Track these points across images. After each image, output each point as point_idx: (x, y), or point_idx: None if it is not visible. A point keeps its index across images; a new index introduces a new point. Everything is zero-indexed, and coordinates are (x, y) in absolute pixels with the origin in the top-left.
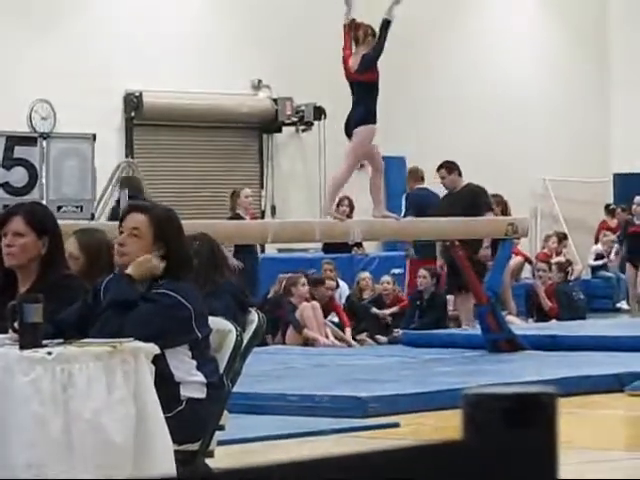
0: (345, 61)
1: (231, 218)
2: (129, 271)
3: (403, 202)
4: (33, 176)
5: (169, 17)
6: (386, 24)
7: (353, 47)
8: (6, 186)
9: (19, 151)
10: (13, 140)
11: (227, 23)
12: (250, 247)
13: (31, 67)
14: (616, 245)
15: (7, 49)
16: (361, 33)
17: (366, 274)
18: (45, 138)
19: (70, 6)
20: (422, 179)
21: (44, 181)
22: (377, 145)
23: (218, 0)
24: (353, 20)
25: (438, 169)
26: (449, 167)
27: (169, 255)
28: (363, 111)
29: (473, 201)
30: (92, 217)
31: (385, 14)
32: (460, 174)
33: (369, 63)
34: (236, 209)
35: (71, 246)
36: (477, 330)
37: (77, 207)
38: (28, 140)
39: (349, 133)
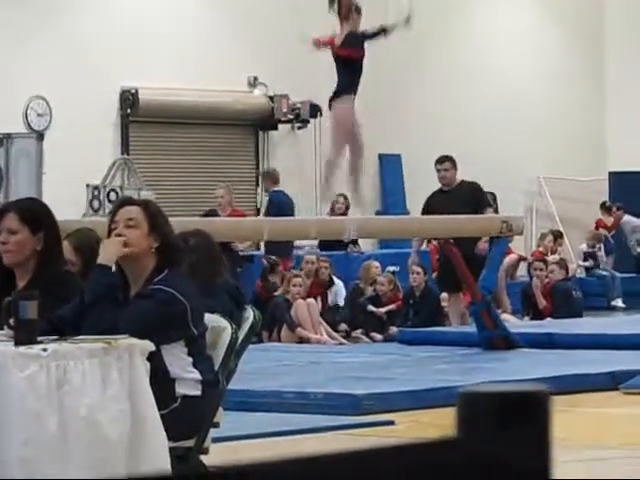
0: (331, 39)
1: (205, 215)
2: (99, 260)
3: (265, 203)
4: (1, 177)
5: (165, 14)
6: (383, 31)
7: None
8: None
9: None
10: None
11: (223, 20)
12: (229, 246)
13: (27, 64)
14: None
15: (3, 46)
16: (344, 9)
17: (374, 262)
18: (7, 139)
19: (66, 3)
20: (278, 181)
21: (9, 182)
22: (359, 124)
23: None
24: None
25: (442, 161)
26: (453, 162)
27: (163, 246)
28: (342, 82)
29: (474, 198)
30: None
31: (387, 25)
32: (456, 171)
33: (352, 41)
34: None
35: (66, 251)
36: (472, 328)
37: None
38: None
39: (330, 105)
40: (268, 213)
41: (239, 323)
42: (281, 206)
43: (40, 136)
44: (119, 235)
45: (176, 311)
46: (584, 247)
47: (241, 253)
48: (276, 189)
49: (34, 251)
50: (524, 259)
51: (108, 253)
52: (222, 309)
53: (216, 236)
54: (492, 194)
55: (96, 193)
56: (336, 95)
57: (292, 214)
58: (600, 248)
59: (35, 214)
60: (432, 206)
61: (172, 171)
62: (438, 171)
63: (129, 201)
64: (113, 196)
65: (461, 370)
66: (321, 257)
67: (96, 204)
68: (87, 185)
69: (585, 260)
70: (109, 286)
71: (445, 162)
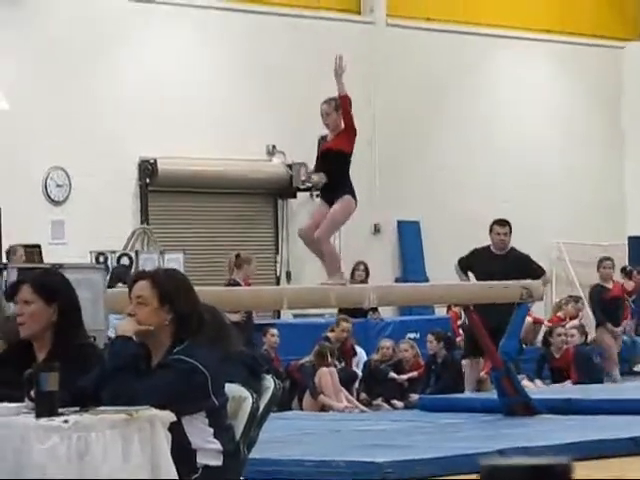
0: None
1: (229, 284)
2: (118, 332)
3: None
4: None
5: (183, 83)
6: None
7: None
8: None
9: None
10: (25, 272)
11: (241, 89)
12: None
13: (46, 134)
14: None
15: (22, 117)
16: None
17: (388, 342)
18: (58, 268)
19: (85, 73)
20: None
21: None
22: None
23: (232, 66)
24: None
25: (503, 224)
26: (511, 228)
27: (178, 317)
28: (348, 181)
29: (526, 267)
30: (105, 346)
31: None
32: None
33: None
34: (233, 274)
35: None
36: (493, 394)
37: (90, 337)
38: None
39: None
40: None
41: (258, 392)
42: None
43: (106, 268)
44: (131, 314)
45: (197, 382)
46: None
47: (257, 322)
48: None
49: (49, 322)
50: (540, 322)
51: (125, 326)
52: (237, 380)
53: (236, 306)
54: None
55: (102, 260)
56: (350, 193)
57: None
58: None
59: (48, 285)
60: (478, 260)
61: (191, 240)
62: (497, 234)
63: (140, 276)
64: (126, 261)
65: (482, 437)
66: (342, 317)
67: None
68: (90, 252)
69: None
70: (130, 357)
71: (506, 226)
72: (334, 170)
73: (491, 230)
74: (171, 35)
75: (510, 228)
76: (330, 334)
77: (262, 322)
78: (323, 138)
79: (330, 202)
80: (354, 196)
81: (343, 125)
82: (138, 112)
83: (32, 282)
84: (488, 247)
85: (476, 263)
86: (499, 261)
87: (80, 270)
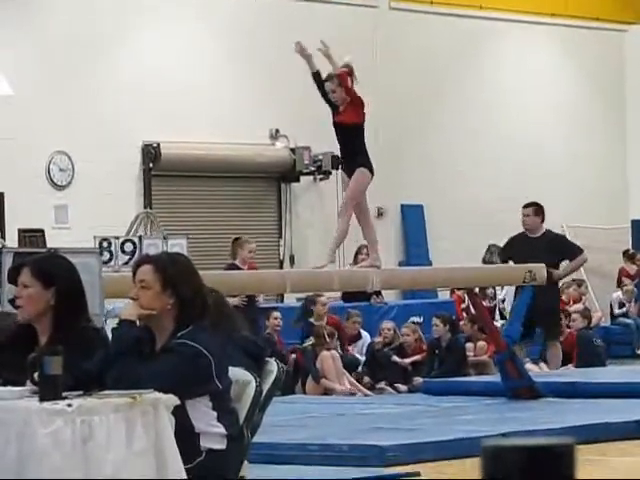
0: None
1: (228, 268)
2: (122, 316)
3: None
4: None
5: (187, 68)
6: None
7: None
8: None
9: None
10: (21, 256)
11: (244, 74)
12: (252, 299)
13: (49, 119)
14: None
15: (25, 101)
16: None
17: (390, 324)
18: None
19: (88, 58)
20: None
21: None
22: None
23: (235, 51)
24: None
25: (526, 206)
26: (537, 209)
27: (180, 301)
28: (364, 151)
29: (565, 244)
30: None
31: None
32: (543, 220)
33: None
34: (235, 258)
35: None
36: (497, 377)
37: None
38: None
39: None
40: None
41: (262, 376)
42: None
43: (100, 252)
44: (133, 298)
45: (201, 366)
46: (619, 294)
47: (261, 305)
48: None
49: (47, 306)
50: None
51: (129, 310)
52: (238, 365)
53: (240, 290)
54: None
55: (105, 245)
56: (364, 165)
57: None
58: (632, 300)
59: (46, 269)
60: (515, 248)
61: (194, 224)
62: (522, 215)
63: (144, 260)
64: (129, 247)
65: (486, 420)
66: (353, 311)
67: (106, 256)
68: (94, 237)
69: (620, 307)
70: (133, 340)
71: (528, 207)
72: (349, 143)
73: None
74: (175, 20)
75: (539, 209)
76: (311, 319)
77: (265, 305)
78: None
79: (350, 174)
80: (369, 166)
81: (349, 98)
82: (142, 96)
83: (32, 266)
84: (523, 232)
85: (513, 249)
86: (534, 244)
87: (76, 254)
